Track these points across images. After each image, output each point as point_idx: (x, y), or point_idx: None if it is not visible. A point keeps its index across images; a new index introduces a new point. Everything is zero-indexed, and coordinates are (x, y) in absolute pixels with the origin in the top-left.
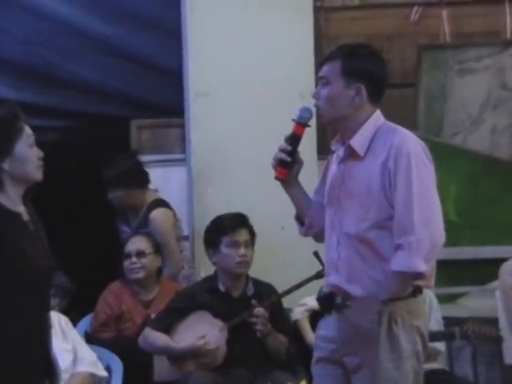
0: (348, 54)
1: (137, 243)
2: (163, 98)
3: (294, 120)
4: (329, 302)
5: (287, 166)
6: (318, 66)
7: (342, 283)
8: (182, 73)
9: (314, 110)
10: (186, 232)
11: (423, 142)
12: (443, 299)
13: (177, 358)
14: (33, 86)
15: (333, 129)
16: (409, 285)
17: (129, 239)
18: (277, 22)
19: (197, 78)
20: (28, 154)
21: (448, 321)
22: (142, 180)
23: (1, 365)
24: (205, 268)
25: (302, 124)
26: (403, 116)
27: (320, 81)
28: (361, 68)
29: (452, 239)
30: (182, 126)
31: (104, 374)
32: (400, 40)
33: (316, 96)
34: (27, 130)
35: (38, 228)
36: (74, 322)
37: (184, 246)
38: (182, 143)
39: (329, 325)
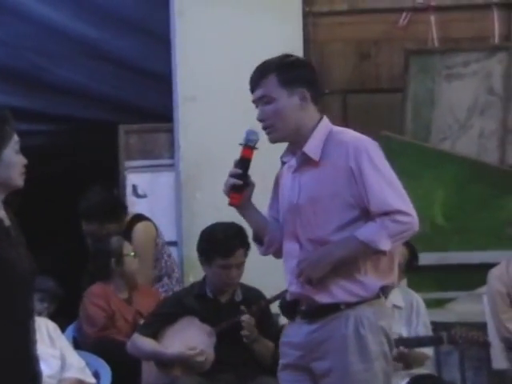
0: (279, 66)
1: (125, 242)
2: (151, 102)
3: (241, 144)
4: (292, 309)
5: (240, 191)
6: (251, 92)
7: (308, 292)
8: (170, 77)
9: (259, 132)
10: (173, 237)
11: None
12: (431, 304)
13: (165, 363)
14: (20, 90)
15: (288, 142)
16: (362, 255)
17: (119, 238)
18: (265, 27)
19: (185, 83)
20: (14, 159)
21: (436, 326)
22: (117, 214)
23: None
24: (193, 273)
25: (249, 147)
26: (391, 121)
27: (260, 102)
28: (297, 74)
29: (440, 244)
30: (170, 131)
31: (92, 380)
32: (388, 45)
33: (262, 117)
34: (15, 136)
35: (19, 233)
36: (62, 329)
37: (169, 250)
38: (171, 148)
39: (294, 332)
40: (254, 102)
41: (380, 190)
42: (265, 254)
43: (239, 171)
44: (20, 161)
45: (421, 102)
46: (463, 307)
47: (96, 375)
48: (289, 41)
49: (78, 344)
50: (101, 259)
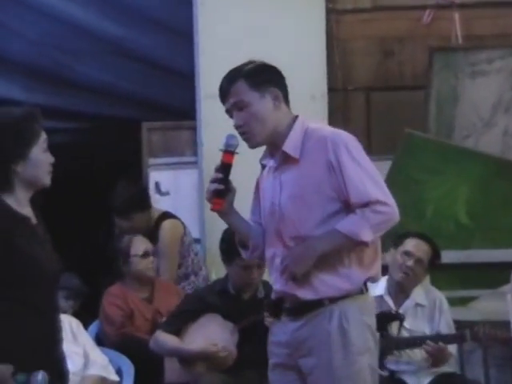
0: (246, 71)
1: (146, 243)
2: (174, 99)
3: (221, 150)
4: (277, 308)
5: (221, 196)
6: (222, 102)
7: (291, 289)
8: (194, 75)
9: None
10: (196, 234)
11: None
12: (454, 302)
13: (187, 360)
14: (45, 87)
15: (266, 145)
16: (345, 248)
17: (131, 239)
18: (288, 24)
19: (208, 80)
20: (42, 158)
21: (459, 324)
22: (147, 204)
23: (17, 369)
24: (216, 270)
25: (230, 152)
26: (414, 118)
27: (233, 109)
28: (265, 75)
29: (463, 242)
30: (193, 128)
31: (115, 377)
32: (411, 42)
33: (238, 123)
34: (43, 134)
35: (45, 231)
36: (85, 325)
37: (197, 248)
38: (193, 145)
39: (280, 330)
40: (227, 111)
41: (359, 181)
42: (250, 258)
43: (220, 176)
44: (47, 159)
45: (444, 100)
46: (486, 305)
47: (119, 372)
48: (312, 38)
49: (101, 341)
50: (115, 259)
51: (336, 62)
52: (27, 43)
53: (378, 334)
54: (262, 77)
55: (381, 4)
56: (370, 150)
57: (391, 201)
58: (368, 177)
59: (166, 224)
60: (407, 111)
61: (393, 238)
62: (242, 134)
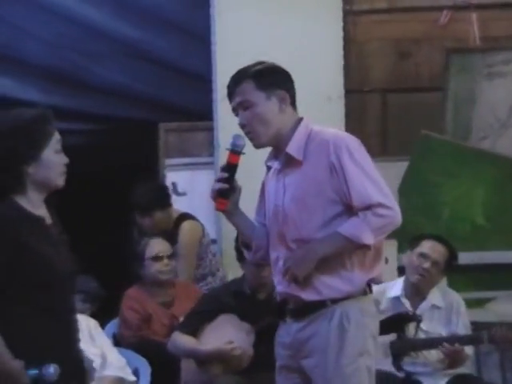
0: (255, 71)
1: (162, 245)
2: (189, 101)
3: (227, 149)
4: (282, 309)
5: (226, 196)
6: (229, 100)
7: (294, 290)
8: (209, 76)
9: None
10: (213, 235)
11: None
12: (471, 304)
13: (204, 361)
14: (61, 89)
15: (271, 146)
16: (346, 250)
17: (148, 241)
18: (305, 26)
19: (224, 82)
20: (54, 159)
21: (476, 326)
22: (165, 202)
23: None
24: (232, 271)
25: (236, 152)
26: (431, 120)
27: (239, 108)
28: (274, 77)
29: (480, 243)
30: (210, 129)
31: (132, 378)
32: (428, 44)
33: (243, 122)
34: (56, 135)
35: (61, 231)
36: (102, 325)
37: (214, 249)
38: (209, 146)
39: (285, 331)
40: (233, 109)
41: (361, 184)
42: (252, 259)
43: (226, 176)
44: (60, 160)
45: (461, 101)
46: (503, 307)
47: (136, 372)
48: (328, 40)
49: (118, 341)
50: (133, 261)
51: (352, 64)
52: (43, 45)
53: (377, 337)
54: (270, 78)
55: (397, 5)
56: (386, 151)
57: (393, 204)
58: (370, 180)
59: (186, 225)
60: (423, 113)
61: (409, 240)
62: (246, 133)
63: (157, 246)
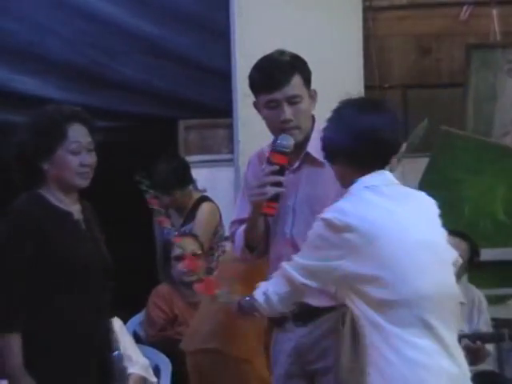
0: (299, 65)
1: (190, 246)
2: (210, 98)
3: (274, 150)
4: (283, 315)
5: (277, 200)
6: (273, 89)
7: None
8: (230, 73)
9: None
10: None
11: None
12: (492, 300)
13: None
14: (80, 86)
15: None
16: None
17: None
18: (325, 22)
19: (244, 79)
20: (67, 160)
21: (497, 322)
22: (186, 179)
23: (51, 363)
24: None
25: (284, 153)
26: (452, 116)
27: (287, 101)
28: (309, 73)
29: (501, 240)
30: (229, 127)
31: (154, 379)
32: (449, 39)
33: (290, 117)
34: (73, 136)
35: (92, 228)
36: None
37: (225, 247)
38: (229, 143)
39: (286, 337)
40: (274, 101)
41: None
42: (249, 258)
43: (281, 179)
44: (76, 161)
45: (482, 97)
46: None
47: (156, 369)
48: (348, 35)
49: (139, 339)
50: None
51: (373, 60)
52: (63, 42)
53: None
54: (308, 74)
55: (418, 1)
56: (406, 147)
57: None
58: None
59: (205, 206)
60: (444, 109)
61: None
62: (289, 128)
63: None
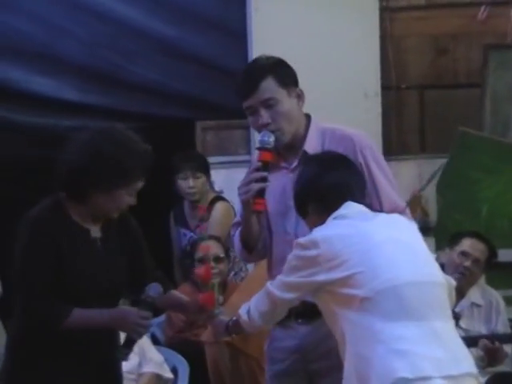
0: (273, 67)
1: (213, 248)
2: (227, 99)
3: (258, 147)
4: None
5: (263, 195)
6: (245, 96)
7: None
8: None
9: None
10: None
11: None
12: (510, 301)
13: None
14: (97, 88)
15: (287, 145)
16: None
17: (199, 243)
18: (342, 22)
19: None
20: (123, 199)
21: None
22: (204, 165)
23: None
24: None
25: (267, 149)
26: (469, 117)
27: (262, 105)
28: (289, 73)
29: None
30: (247, 127)
31: (170, 375)
32: (466, 40)
33: (266, 121)
34: (139, 182)
35: (111, 247)
36: None
37: None
38: (247, 144)
39: (287, 335)
40: (250, 107)
41: (388, 190)
42: (253, 258)
43: (265, 174)
44: (127, 201)
45: (499, 98)
46: None
47: (174, 370)
48: (365, 36)
49: (156, 340)
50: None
51: (390, 60)
52: (79, 43)
53: None
54: (288, 74)
55: (435, 1)
56: (423, 148)
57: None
58: (391, 183)
59: (220, 205)
60: (461, 109)
61: (447, 237)
62: (270, 132)
63: (204, 248)
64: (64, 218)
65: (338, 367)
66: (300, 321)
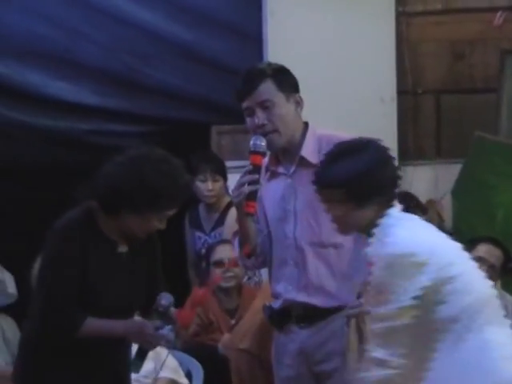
0: (273, 71)
1: (228, 252)
2: None
3: (250, 151)
4: (283, 317)
5: (254, 198)
6: (244, 97)
7: (306, 298)
8: None
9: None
10: None
11: None
12: None
13: None
14: (115, 91)
15: (284, 151)
16: None
17: (215, 247)
18: (358, 27)
19: None
20: (153, 224)
21: None
22: (221, 168)
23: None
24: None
25: (259, 153)
26: (485, 121)
27: (258, 107)
28: (289, 79)
29: None
30: None
31: (184, 380)
32: (483, 45)
33: (263, 122)
34: (171, 210)
35: (135, 265)
36: None
37: None
38: None
39: (289, 339)
40: (248, 108)
41: None
42: (253, 265)
43: (256, 177)
44: (155, 226)
45: None
46: None
47: (188, 374)
48: (381, 41)
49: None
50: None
51: (406, 65)
52: (97, 47)
53: None
54: (288, 80)
55: (452, 6)
56: (439, 153)
57: None
58: None
59: (234, 211)
60: (478, 114)
61: (464, 243)
62: (264, 134)
63: (220, 251)
64: (93, 229)
65: (339, 369)
66: (302, 324)
